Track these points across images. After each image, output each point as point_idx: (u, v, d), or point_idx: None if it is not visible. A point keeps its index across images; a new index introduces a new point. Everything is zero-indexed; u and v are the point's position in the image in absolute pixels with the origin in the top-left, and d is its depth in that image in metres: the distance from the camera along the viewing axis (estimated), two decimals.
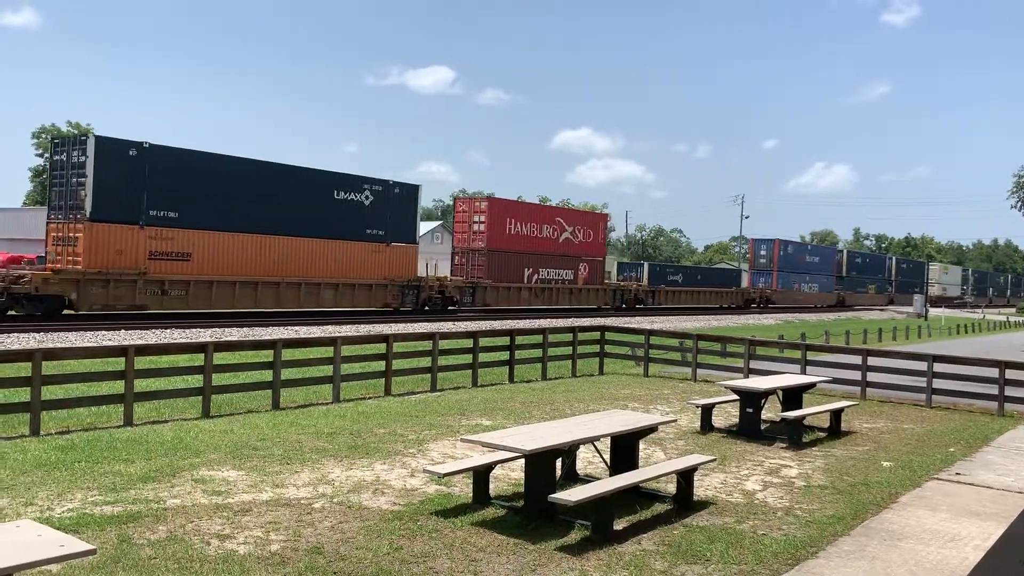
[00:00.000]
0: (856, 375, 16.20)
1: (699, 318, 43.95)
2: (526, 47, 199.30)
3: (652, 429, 8.79)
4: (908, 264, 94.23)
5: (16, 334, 20.82)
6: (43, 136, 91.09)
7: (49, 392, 10.63)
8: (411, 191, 35.08)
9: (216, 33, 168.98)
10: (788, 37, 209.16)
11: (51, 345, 19.10)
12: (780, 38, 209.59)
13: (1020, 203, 61.34)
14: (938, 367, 15.66)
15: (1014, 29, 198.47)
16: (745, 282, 66.01)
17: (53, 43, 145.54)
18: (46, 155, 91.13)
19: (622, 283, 50.11)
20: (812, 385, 13.51)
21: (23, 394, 10.40)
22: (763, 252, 65.98)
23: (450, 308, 36.79)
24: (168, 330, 23.60)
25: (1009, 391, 14.90)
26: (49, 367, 10.84)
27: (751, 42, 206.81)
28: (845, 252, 78.31)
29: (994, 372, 15.14)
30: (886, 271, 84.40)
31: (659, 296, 51.24)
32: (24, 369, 10.52)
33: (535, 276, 42.01)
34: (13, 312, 24.58)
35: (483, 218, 39.70)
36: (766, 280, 64.60)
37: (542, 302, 42.17)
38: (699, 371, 18.06)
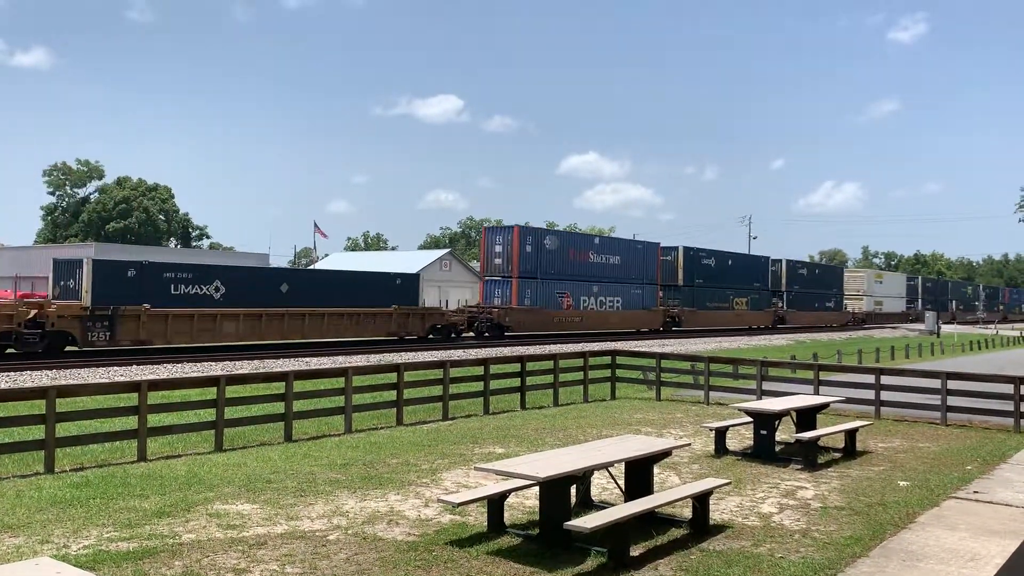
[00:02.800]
0: (870, 394, 16.11)
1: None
2: (533, 74, 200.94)
3: (666, 453, 8.76)
4: (812, 270, 70.30)
5: (29, 371, 20.93)
6: (54, 174, 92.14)
7: (63, 429, 10.67)
8: None
9: (223, 67, 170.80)
10: (794, 57, 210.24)
11: (65, 382, 19.19)
12: (786, 58, 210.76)
13: None
14: (952, 384, 15.56)
15: (1021, 43, 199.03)
16: (474, 296, 43.24)
17: (63, 81, 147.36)
18: (58, 192, 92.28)
19: None
20: (826, 405, 13.43)
21: (37, 432, 10.44)
22: (498, 249, 40.23)
23: None
24: (180, 364, 23.69)
25: None
26: (63, 404, 10.89)
27: (757, 63, 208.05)
28: (681, 249, 52.47)
29: (1009, 388, 15.04)
30: (768, 279, 61.69)
31: (132, 324, 26.58)
32: (38, 407, 10.57)
33: None
34: None
35: None
36: (503, 293, 39.64)
37: None
38: (711, 394, 18.00)
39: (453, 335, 37.62)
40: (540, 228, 42.83)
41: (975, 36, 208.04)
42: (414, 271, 43.70)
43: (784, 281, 63.37)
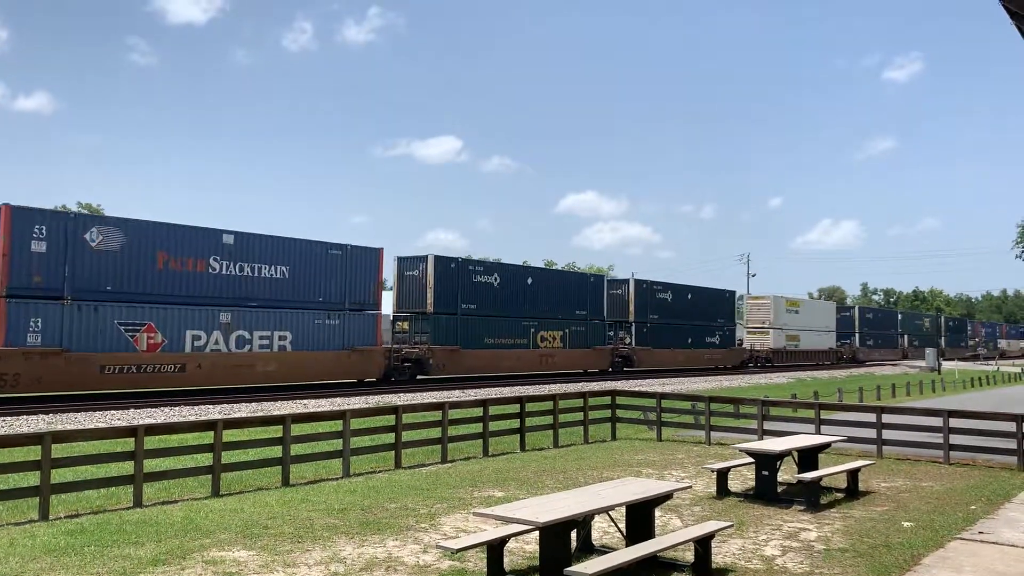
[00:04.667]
0: (871, 433, 16.01)
1: None
2: (531, 114, 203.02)
3: (667, 496, 8.67)
4: (683, 294, 52.00)
5: (25, 416, 20.79)
6: None
7: (58, 475, 10.56)
8: None
9: (224, 109, 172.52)
10: (792, 96, 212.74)
11: (60, 427, 19.07)
12: (783, 97, 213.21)
13: None
14: (954, 422, 15.47)
15: (1015, 79, 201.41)
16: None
17: (65, 125, 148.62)
18: None
19: None
20: (827, 445, 13.33)
21: (32, 478, 10.34)
22: (40, 231, 23.05)
23: None
24: (177, 408, 23.55)
25: None
26: (59, 450, 10.80)
27: (754, 102, 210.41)
28: (431, 259, 35.87)
29: (1012, 426, 14.95)
30: (603, 305, 44.92)
31: None
32: (34, 452, 10.48)
33: None
34: None
35: None
36: (38, 323, 23.04)
37: None
38: (713, 434, 17.87)
39: None
40: (72, 212, 24.04)
41: (969, 74, 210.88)
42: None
43: (633, 309, 47.42)
